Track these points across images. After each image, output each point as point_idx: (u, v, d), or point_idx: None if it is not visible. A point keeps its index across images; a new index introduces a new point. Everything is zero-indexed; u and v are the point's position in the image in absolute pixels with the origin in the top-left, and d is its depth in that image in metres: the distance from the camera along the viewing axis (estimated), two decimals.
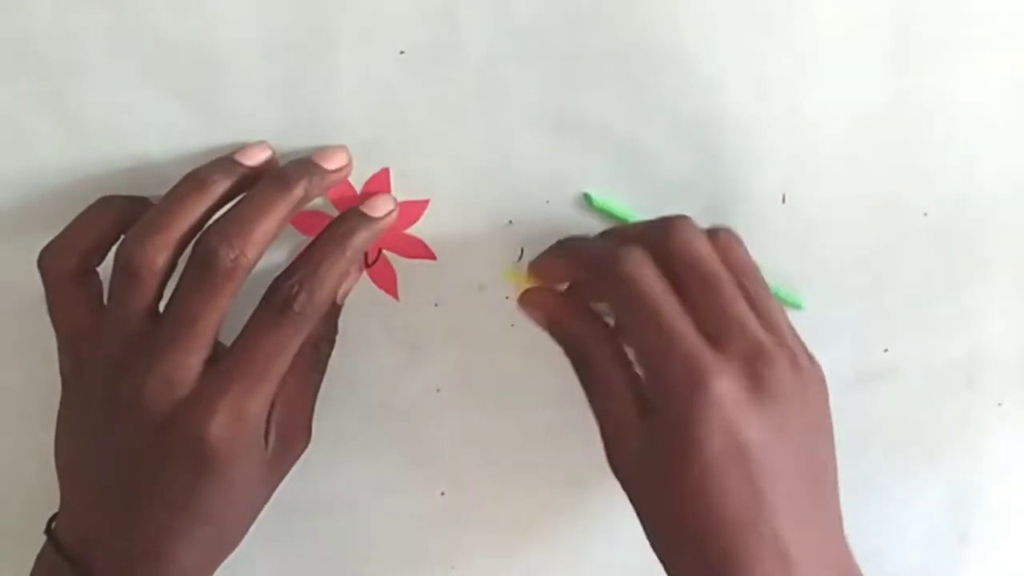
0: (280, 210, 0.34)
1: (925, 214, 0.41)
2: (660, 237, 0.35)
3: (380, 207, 0.37)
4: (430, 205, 0.39)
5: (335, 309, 0.38)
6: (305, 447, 0.38)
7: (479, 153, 0.39)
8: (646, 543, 0.42)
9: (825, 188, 0.40)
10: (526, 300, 0.38)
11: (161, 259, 0.34)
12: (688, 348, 0.33)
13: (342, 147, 0.37)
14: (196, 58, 0.37)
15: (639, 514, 0.36)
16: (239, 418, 0.34)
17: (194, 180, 0.35)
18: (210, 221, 0.35)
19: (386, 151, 0.39)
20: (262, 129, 0.38)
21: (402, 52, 0.38)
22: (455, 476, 0.42)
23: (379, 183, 0.39)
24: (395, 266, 0.40)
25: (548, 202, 0.39)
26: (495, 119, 0.39)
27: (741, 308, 0.34)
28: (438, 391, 0.41)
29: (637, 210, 0.40)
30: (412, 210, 0.39)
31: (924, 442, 0.43)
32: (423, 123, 0.38)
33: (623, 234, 0.37)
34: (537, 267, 0.38)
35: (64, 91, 0.38)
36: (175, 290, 0.34)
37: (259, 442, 0.35)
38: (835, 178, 0.40)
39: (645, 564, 0.42)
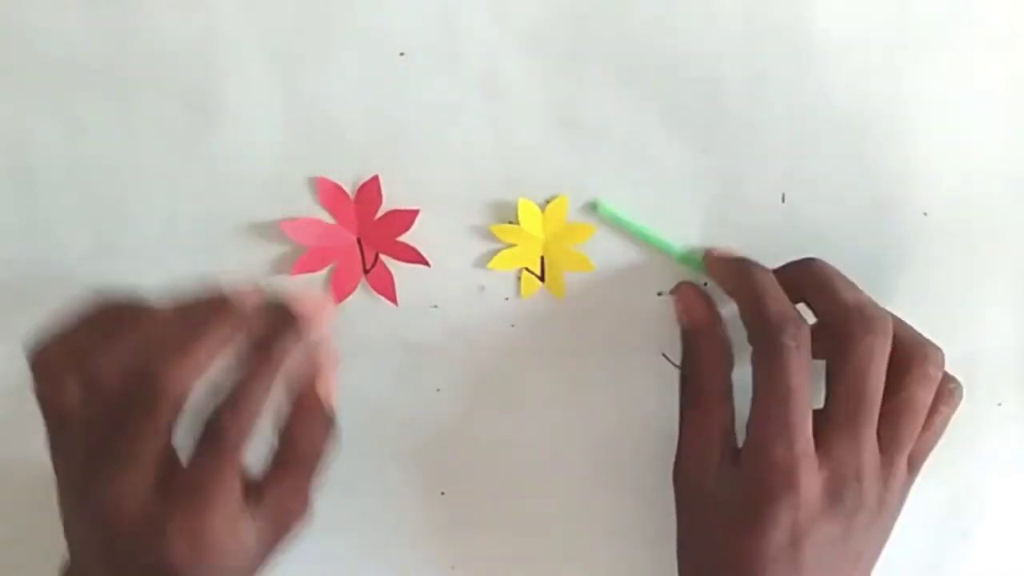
0: (217, 339, 0.34)
1: (925, 214, 0.41)
2: (848, 329, 0.36)
3: (321, 319, 0.36)
4: (430, 205, 0.39)
5: (331, 410, 0.37)
6: (302, 525, 0.37)
7: (478, 154, 0.39)
8: (646, 543, 0.42)
9: (825, 188, 0.40)
10: (685, 293, 0.40)
11: (79, 389, 0.33)
12: (794, 449, 0.35)
13: (326, 303, 0.37)
14: (196, 58, 0.37)
15: (682, 522, 0.39)
16: (200, 537, 0.33)
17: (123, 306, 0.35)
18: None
19: (385, 152, 0.39)
20: (262, 129, 0.38)
21: (402, 54, 0.38)
22: (455, 476, 0.42)
23: (370, 191, 0.39)
24: (394, 269, 0.40)
25: (548, 202, 0.39)
26: (495, 120, 0.39)
27: (867, 435, 0.36)
28: (438, 391, 0.41)
29: (638, 210, 0.40)
30: (404, 218, 0.39)
31: None
32: (423, 124, 0.38)
33: (819, 297, 0.38)
34: (712, 261, 0.39)
35: (66, 91, 0.38)
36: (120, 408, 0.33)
37: (233, 545, 0.34)
38: (835, 178, 0.40)
39: (645, 563, 0.42)
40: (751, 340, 0.37)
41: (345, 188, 0.39)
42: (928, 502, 0.44)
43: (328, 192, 0.38)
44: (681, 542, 0.39)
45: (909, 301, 0.42)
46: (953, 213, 0.41)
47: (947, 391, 0.39)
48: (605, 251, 0.40)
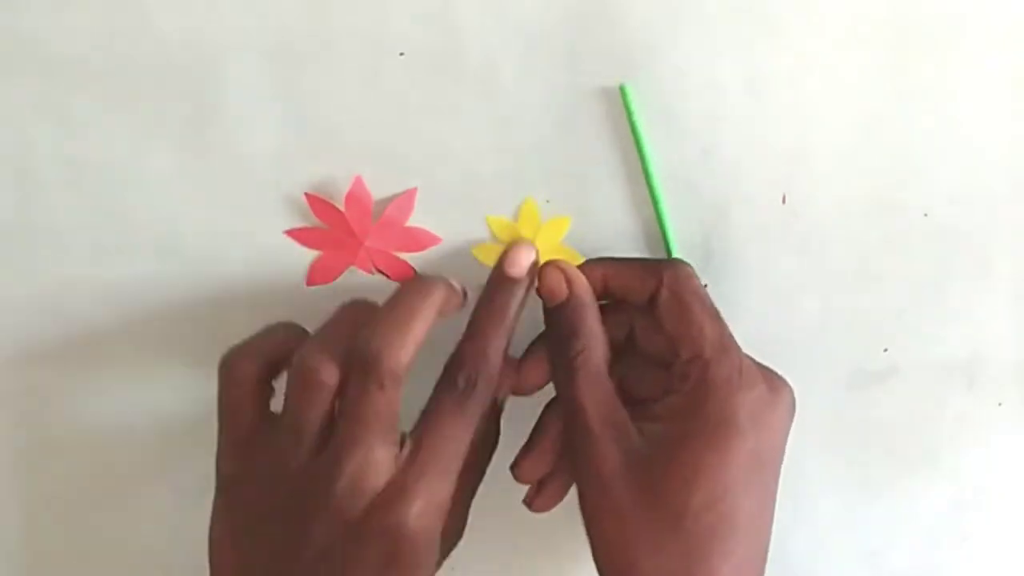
0: (428, 314, 0.35)
1: (925, 214, 0.41)
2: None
3: (521, 262, 0.37)
4: (430, 205, 0.39)
5: (496, 410, 0.38)
6: (456, 543, 0.37)
7: (479, 154, 0.39)
8: None
9: (825, 188, 0.40)
10: (548, 273, 0.38)
11: (337, 372, 0.34)
12: (738, 353, 0.36)
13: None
14: (196, 58, 0.37)
15: (597, 525, 0.37)
16: (434, 505, 0.34)
17: (362, 303, 0.37)
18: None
19: (385, 152, 0.39)
20: (262, 129, 0.38)
21: (402, 54, 0.38)
22: None
23: (357, 196, 0.38)
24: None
25: (548, 202, 0.39)
26: (495, 119, 0.39)
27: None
28: None
29: (635, 210, 0.40)
30: (404, 205, 0.39)
31: (924, 442, 0.43)
32: (423, 124, 0.38)
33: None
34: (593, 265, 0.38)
35: (64, 91, 0.38)
36: (345, 396, 0.34)
37: (440, 530, 0.35)
38: (835, 178, 0.40)
39: None
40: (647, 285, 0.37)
41: (343, 192, 0.39)
42: (929, 503, 0.44)
43: (320, 207, 0.39)
44: (599, 546, 0.37)
45: (909, 301, 0.42)
46: (953, 213, 0.41)
47: None
48: (602, 254, 0.40)
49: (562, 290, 0.37)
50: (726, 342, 0.36)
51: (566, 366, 0.37)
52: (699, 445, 0.35)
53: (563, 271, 0.37)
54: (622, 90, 0.38)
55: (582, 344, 0.37)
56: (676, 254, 0.40)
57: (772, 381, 0.37)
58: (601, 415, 0.36)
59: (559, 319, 0.37)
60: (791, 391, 0.37)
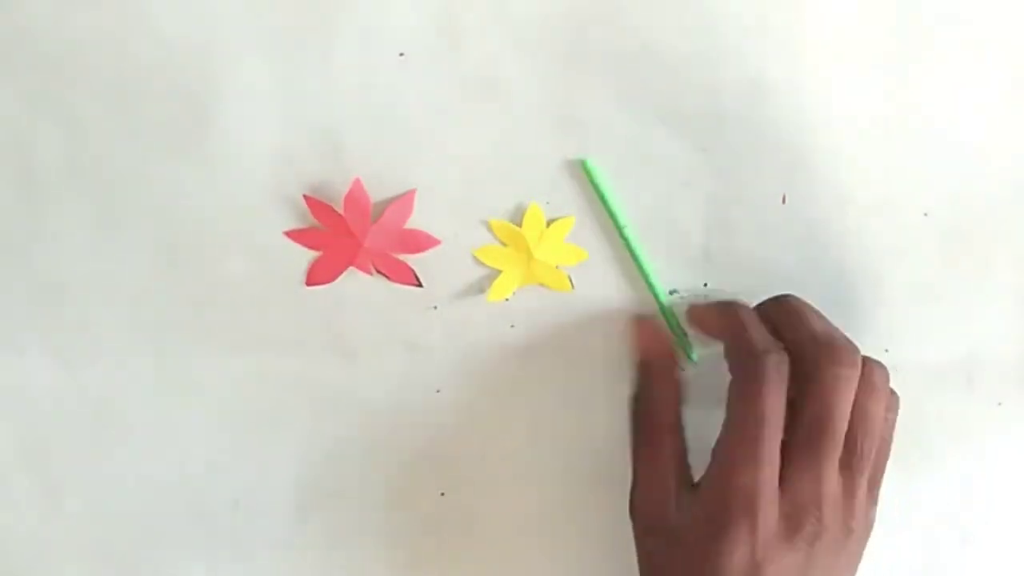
0: None
1: (925, 214, 0.41)
2: (817, 359, 0.36)
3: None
4: (429, 205, 0.39)
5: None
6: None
7: (478, 155, 0.39)
8: None
9: (825, 188, 0.40)
10: (641, 327, 0.40)
11: None
12: (758, 477, 0.35)
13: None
14: (196, 58, 0.37)
15: (642, 556, 0.39)
16: None
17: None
18: None
19: (385, 153, 0.39)
20: (262, 130, 0.38)
21: (401, 54, 0.38)
22: (455, 476, 0.42)
23: (356, 198, 0.38)
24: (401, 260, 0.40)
25: (548, 203, 0.39)
26: (495, 120, 0.39)
27: (830, 465, 0.36)
28: (438, 391, 0.41)
29: (637, 211, 0.40)
30: (403, 208, 0.39)
31: (924, 442, 0.43)
32: (422, 125, 0.38)
33: (790, 329, 0.38)
34: (694, 311, 0.40)
35: (64, 91, 0.38)
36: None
37: None
38: (835, 178, 0.40)
39: None
40: (732, 368, 0.37)
41: (342, 193, 0.39)
42: (928, 503, 0.44)
43: (318, 210, 0.39)
44: (642, 569, 0.39)
45: (909, 301, 0.42)
46: (953, 213, 0.41)
47: (890, 396, 0.39)
48: (605, 252, 0.40)
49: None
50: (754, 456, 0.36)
51: (631, 417, 0.41)
52: (692, 541, 0.37)
53: (652, 333, 0.40)
54: (584, 166, 0.39)
55: (646, 403, 0.40)
56: (664, 303, 0.40)
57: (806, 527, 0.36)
58: (647, 474, 0.39)
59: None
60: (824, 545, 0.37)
